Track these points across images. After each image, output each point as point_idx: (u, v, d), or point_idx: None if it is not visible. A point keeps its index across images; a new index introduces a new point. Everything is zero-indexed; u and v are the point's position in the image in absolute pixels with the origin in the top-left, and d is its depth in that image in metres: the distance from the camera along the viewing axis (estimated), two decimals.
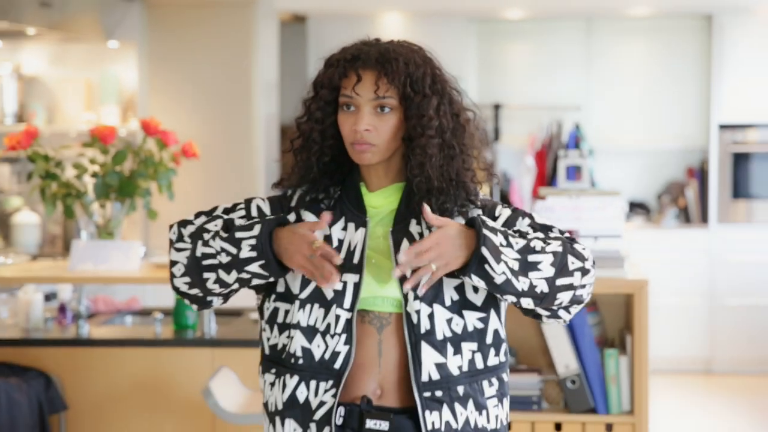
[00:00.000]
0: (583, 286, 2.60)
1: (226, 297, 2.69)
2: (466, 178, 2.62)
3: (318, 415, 2.59)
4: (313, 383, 2.59)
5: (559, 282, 2.55)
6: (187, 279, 2.63)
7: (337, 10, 9.27)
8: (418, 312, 2.56)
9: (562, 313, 2.62)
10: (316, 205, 2.66)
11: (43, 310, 4.96)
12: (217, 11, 8.39)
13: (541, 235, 2.61)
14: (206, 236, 2.60)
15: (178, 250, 2.63)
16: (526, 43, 9.73)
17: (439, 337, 2.57)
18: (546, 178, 9.04)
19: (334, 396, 2.57)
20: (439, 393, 2.57)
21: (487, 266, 2.46)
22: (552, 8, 9.30)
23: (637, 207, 9.59)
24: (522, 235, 2.59)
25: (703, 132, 9.48)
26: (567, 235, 2.66)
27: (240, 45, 8.40)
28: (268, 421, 2.68)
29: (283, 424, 2.62)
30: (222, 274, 2.58)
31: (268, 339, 2.68)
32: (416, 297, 2.55)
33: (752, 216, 9.28)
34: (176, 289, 2.67)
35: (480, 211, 2.65)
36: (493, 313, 2.64)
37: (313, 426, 2.59)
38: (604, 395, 4.30)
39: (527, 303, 2.56)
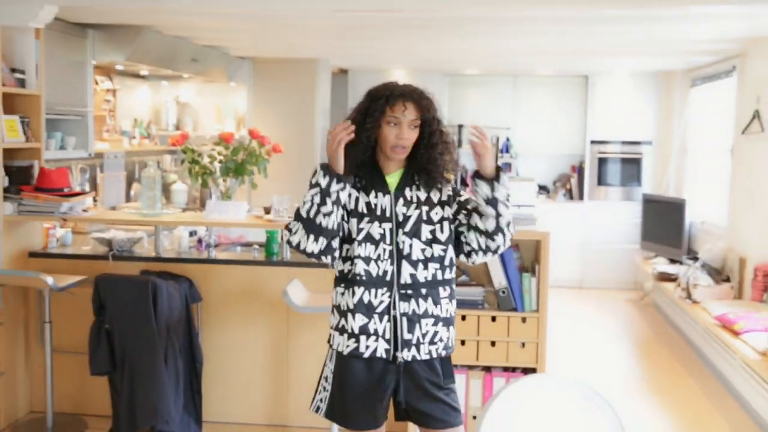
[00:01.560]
0: (505, 242, 2.65)
1: (337, 234, 2.58)
2: (448, 167, 2.66)
3: (380, 309, 2.58)
4: (373, 290, 2.57)
5: (505, 227, 2.62)
6: (311, 237, 2.54)
7: (366, 66, 9.17)
8: (403, 242, 2.58)
9: (480, 255, 2.66)
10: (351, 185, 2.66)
11: (188, 241, 4.89)
12: (294, 65, 8.31)
13: None
14: (301, 206, 2.59)
15: (294, 233, 2.57)
16: (477, 89, 9.61)
17: (414, 258, 2.58)
18: None
19: (390, 297, 2.57)
20: (410, 291, 2.58)
21: (497, 183, 2.57)
22: (493, 68, 9.18)
23: (542, 189, 9.51)
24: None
25: (581, 144, 9.38)
26: None
27: (307, 86, 8.32)
28: (339, 316, 2.64)
29: (354, 317, 2.59)
30: (323, 209, 2.53)
31: (338, 267, 2.64)
32: (404, 234, 2.58)
33: (608, 196, 9.24)
34: (311, 254, 2.56)
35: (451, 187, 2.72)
36: (450, 247, 2.64)
37: (375, 316, 2.58)
38: (522, 300, 4.22)
39: (491, 225, 2.60)
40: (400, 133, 2.57)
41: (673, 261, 7.72)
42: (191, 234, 5.15)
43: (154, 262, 4.58)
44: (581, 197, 9.28)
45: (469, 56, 7.97)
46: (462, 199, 2.69)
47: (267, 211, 4.78)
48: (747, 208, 6.46)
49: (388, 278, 2.57)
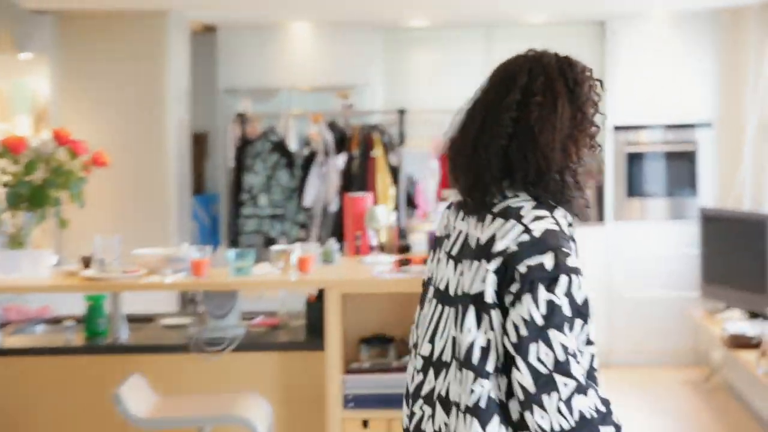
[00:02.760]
0: None
1: None
2: None
3: None
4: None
5: None
6: None
7: (246, 20, 9.21)
8: None
9: None
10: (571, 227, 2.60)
11: None
12: (129, 22, 8.29)
13: None
14: None
15: None
16: (429, 51, 9.72)
17: None
18: (449, 179, 9.02)
19: None
20: None
21: None
22: (453, 17, 9.30)
23: None
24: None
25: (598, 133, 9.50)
26: None
27: (152, 55, 8.31)
28: None
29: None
30: None
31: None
32: None
33: (645, 213, 9.37)
34: None
35: None
36: None
37: None
38: None
39: None
40: None
41: (754, 315, 7.84)
42: None
43: None
44: (601, 218, 9.41)
45: None
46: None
47: (86, 263, 4.76)
48: None
49: None
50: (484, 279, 2.45)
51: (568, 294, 2.39)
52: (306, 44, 9.42)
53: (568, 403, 2.35)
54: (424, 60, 9.73)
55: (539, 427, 2.36)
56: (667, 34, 9.32)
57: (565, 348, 2.36)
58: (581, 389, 2.36)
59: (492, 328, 2.44)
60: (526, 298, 2.37)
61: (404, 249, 5.54)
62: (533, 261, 2.39)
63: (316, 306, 4.80)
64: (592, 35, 9.55)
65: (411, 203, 9.03)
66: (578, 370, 2.37)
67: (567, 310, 2.38)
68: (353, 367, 4.72)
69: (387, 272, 4.66)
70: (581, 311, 2.41)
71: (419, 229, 8.51)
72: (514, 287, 2.40)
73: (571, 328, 2.39)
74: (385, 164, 8.60)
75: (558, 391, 2.34)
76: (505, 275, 2.43)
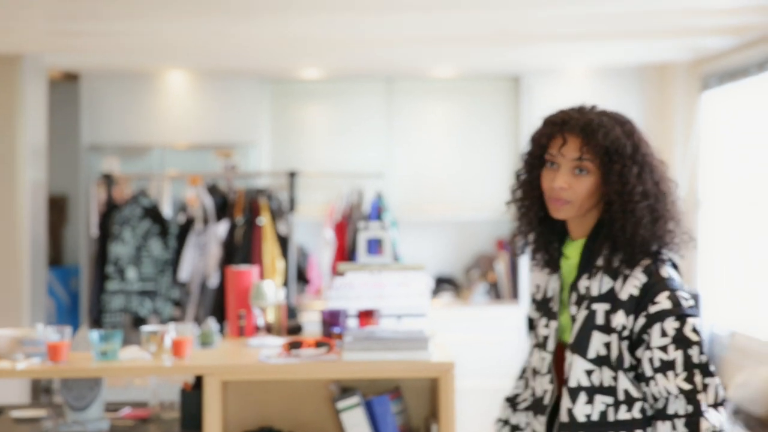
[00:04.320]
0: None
1: None
2: (668, 239, 3.06)
3: None
4: (534, 417, 3.22)
5: None
6: None
7: (112, 67, 9.14)
8: (566, 359, 3.09)
9: None
10: (540, 269, 3.29)
11: None
12: None
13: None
14: None
15: None
16: (323, 105, 9.75)
17: (573, 384, 3.02)
18: (347, 251, 9.02)
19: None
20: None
21: None
22: (350, 68, 9.33)
23: (444, 282, 9.64)
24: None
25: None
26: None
27: (2, 105, 8.21)
28: None
29: None
30: None
31: None
32: (568, 346, 3.07)
33: None
34: None
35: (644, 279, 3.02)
36: (622, 374, 3.00)
37: None
38: None
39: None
40: (554, 179, 3.07)
41: None
42: None
43: None
44: (515, 296, 9.46)
45: (306, 47, 8.09)
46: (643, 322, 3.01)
47: None
48: None
49: (545, 402, 3.15)
50: None
51: None
52: (182, 96, 9.40)
53: None
54: (317, 116, 9.75)
55: None
56: (586, 91, 9.46)
57: None
58: None
59: None
60: None
61: (294, 330, 5.51)
62: None
63: (192, 395, 4.74)
64: (505, 91, 9.67)
65: (302, 278, 9.01)
66: None
67: None
68: None
69: (275, 357, 4.62)
70: None
71: (312, 308, 8.50)
72: None
73: None
74: (273, 233, 8.56)
75: None
76: None
